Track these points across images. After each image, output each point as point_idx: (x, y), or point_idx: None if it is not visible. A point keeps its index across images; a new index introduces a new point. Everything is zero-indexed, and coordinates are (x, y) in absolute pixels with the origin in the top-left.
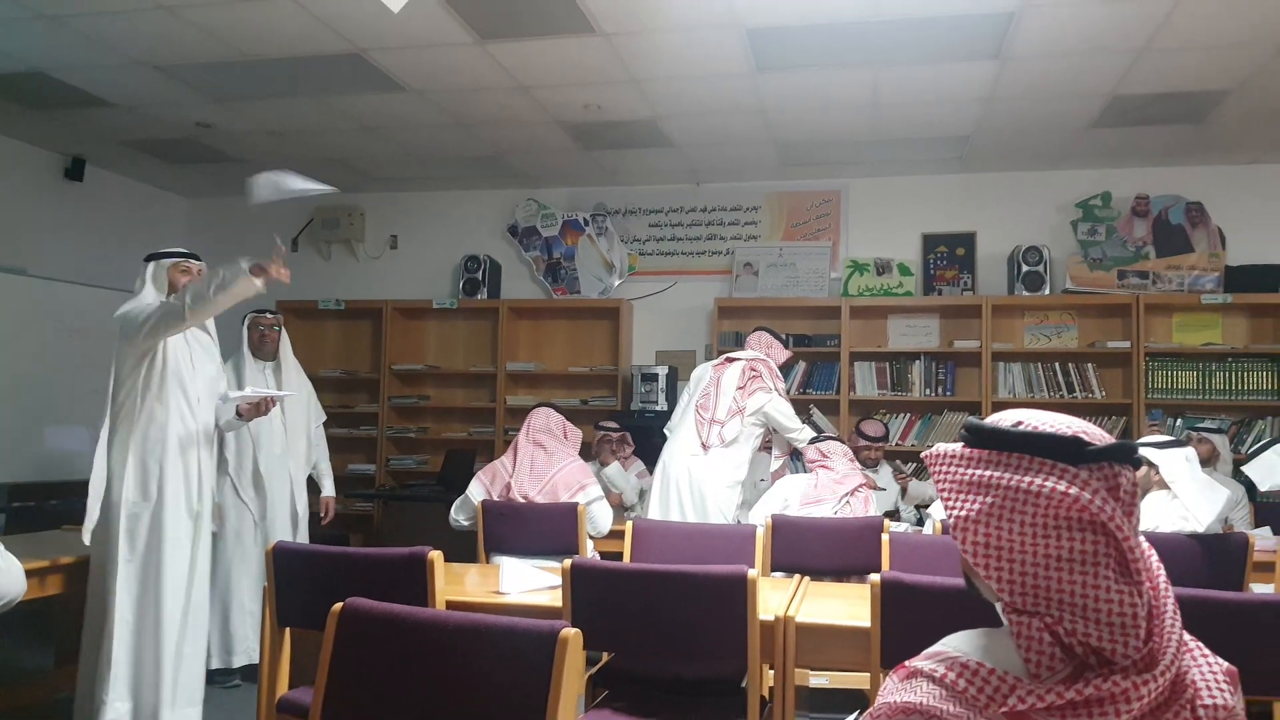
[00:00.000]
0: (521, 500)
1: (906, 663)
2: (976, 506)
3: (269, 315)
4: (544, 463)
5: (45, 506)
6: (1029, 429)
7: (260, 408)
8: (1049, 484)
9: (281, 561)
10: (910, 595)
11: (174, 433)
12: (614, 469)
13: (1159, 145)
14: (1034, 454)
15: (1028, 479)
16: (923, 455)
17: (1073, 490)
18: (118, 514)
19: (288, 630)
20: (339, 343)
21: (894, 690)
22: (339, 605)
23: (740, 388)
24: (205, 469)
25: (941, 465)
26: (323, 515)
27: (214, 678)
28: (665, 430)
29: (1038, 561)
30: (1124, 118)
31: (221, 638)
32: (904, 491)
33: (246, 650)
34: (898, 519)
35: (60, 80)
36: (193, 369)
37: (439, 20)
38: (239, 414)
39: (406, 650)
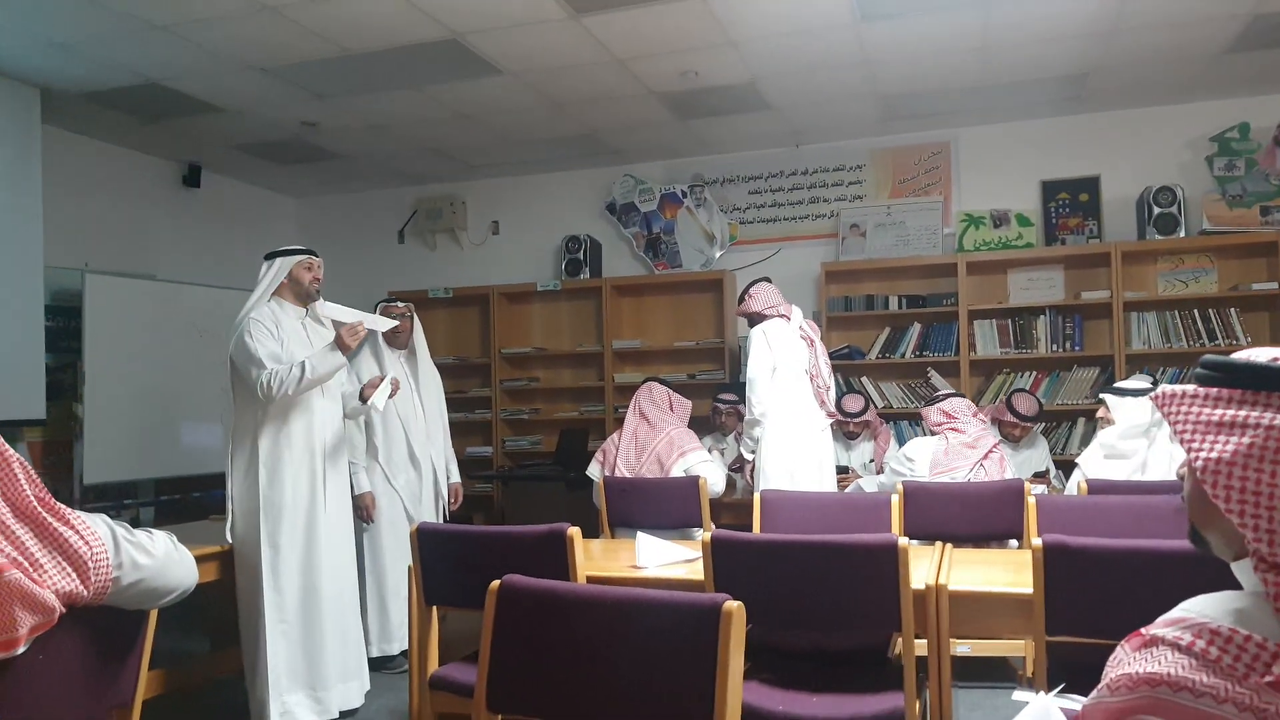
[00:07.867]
0: (627, 474)
1: (1142, 630)
2: (1231, 448)
3: (399, 305)
4: (646, 435)
5: (189, 499)
6: None
7: (387, 389)
8: None
9: (425, 542)
10: (1075, 559)
11: (301, 432)
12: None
13: None
14: None
15: None
16: (1151, 396)
17: None
18: (255, 517)
19: (434, 609)
20: (449, 330)
21: (1132, 660)
22: (496, 583)
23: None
24: (333, 463)
25: (1180, 405)
26: (452, 501)
27: (378, 665)
28: (756, 414)
29: None
30: (1265, 39)
31: (380, 625)
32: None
33: (405, 636)
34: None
35: (172, 89)
36: None
37: None
38: (362, 398)
39: (565, 625)
